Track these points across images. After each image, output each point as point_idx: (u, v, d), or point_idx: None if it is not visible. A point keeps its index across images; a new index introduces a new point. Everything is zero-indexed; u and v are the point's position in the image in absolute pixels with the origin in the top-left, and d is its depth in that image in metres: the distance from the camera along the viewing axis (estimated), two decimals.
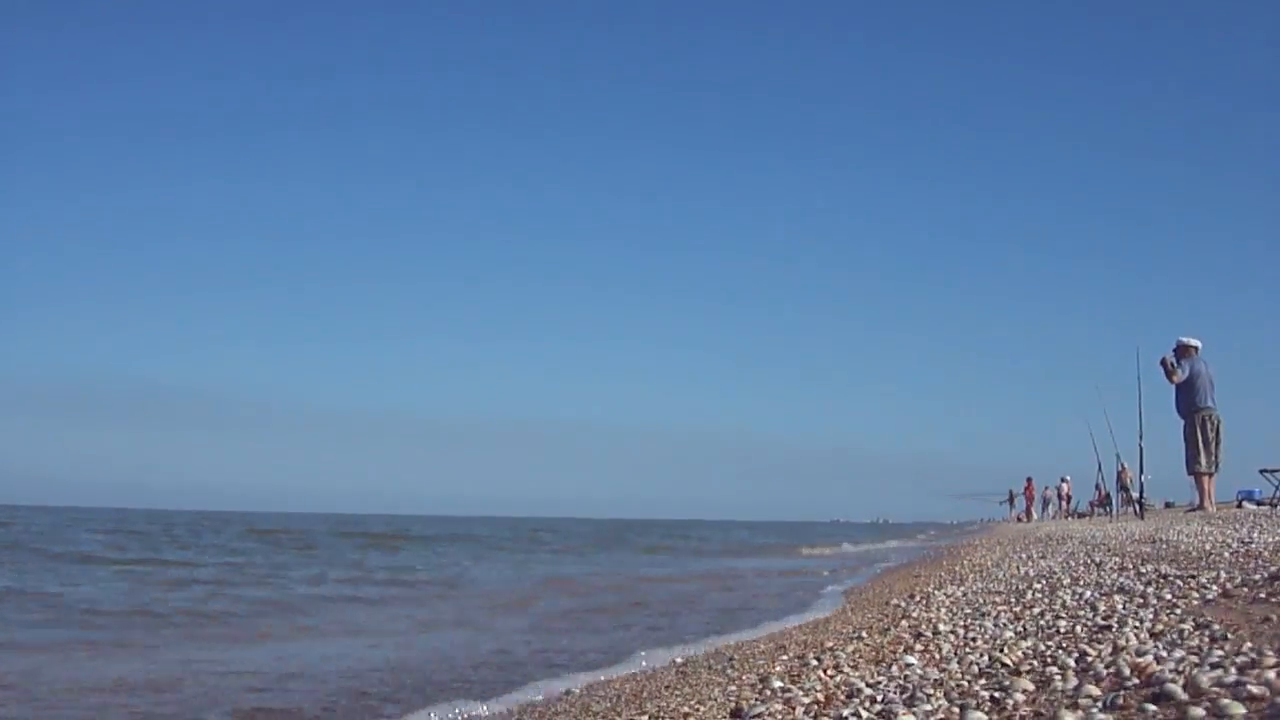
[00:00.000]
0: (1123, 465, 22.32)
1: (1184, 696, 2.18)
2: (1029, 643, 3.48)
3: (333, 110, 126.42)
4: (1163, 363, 13.15)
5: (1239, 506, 15.93)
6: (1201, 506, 13.52)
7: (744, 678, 4.32)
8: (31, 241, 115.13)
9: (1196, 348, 13.20)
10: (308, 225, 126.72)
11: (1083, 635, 3.46)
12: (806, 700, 3.20)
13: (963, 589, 6.31)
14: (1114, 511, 23.40)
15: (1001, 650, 3.38)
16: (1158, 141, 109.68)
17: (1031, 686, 2.66)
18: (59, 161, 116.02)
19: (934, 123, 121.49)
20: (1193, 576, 4.70)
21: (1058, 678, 2.71)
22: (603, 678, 5.45)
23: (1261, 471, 16.70)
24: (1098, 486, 25.12)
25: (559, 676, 5.60)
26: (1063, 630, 3.66)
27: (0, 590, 10.46)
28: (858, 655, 4.15)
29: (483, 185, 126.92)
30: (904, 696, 2.87)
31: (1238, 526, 8.46)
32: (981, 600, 5.33)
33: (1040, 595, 5.03)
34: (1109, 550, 7.72)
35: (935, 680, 3.07)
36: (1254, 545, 6.17)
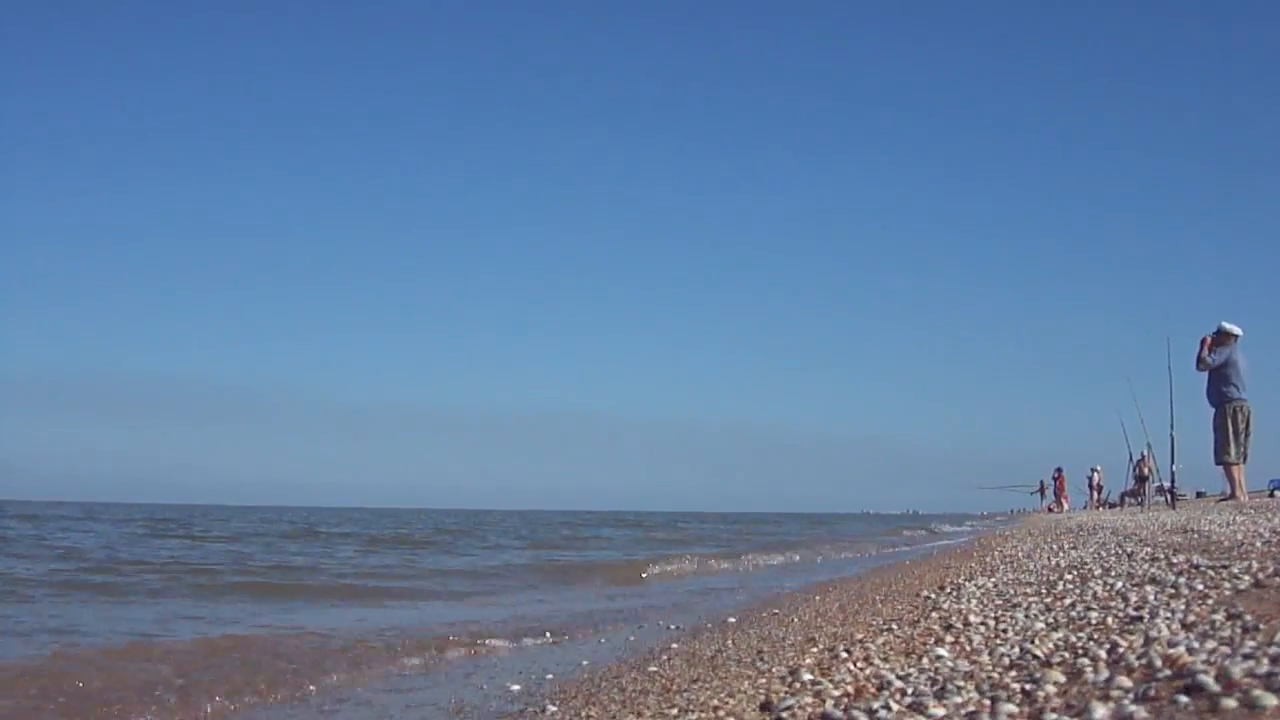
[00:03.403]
0: (1143, 455, 22.21)
1: (1216, 688, 2.17)
2: (1060, 634, 3.47)
3: (340, 107, 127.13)
4: (1202, 342, 13.02)
5: (1271, 495, 15.79)
6: (1233, 496, 13.41)
7: (774, 670, 4.33)
8: (39, 240, 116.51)
9: (1236, 336, 13.05)
10: (319, 223, 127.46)
11: (1114, 626, 3.45)
12: (836, 693, 3.21)
13: (994, 580, 6.30)
14: (1145, 501, 23.27)
15: (1032, 642, 3.38)
16: (1190, 134, 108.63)
17: (1063, 678, 2.66)
18: (72, 160, 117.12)
19: (969, 119, 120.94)
20: (1225, 567, 4.68)
21: (1089, 669, 2.71)
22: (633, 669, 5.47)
23: None
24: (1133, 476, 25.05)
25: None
26: (1094, 621, 3.65)
27: None
28: (888, 647, 4.16)
29: (492, 181, 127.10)
30: (935, 689, 2.88)
31: (1270, 516, 8.39)
32: (1012, 591, 5.32)
33: (1071, 586, 5.01)
34: (1140, 540, 7.68)
35: (966, 672, 3.08)
36: None
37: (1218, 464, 13.36)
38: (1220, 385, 12.93)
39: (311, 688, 5.43)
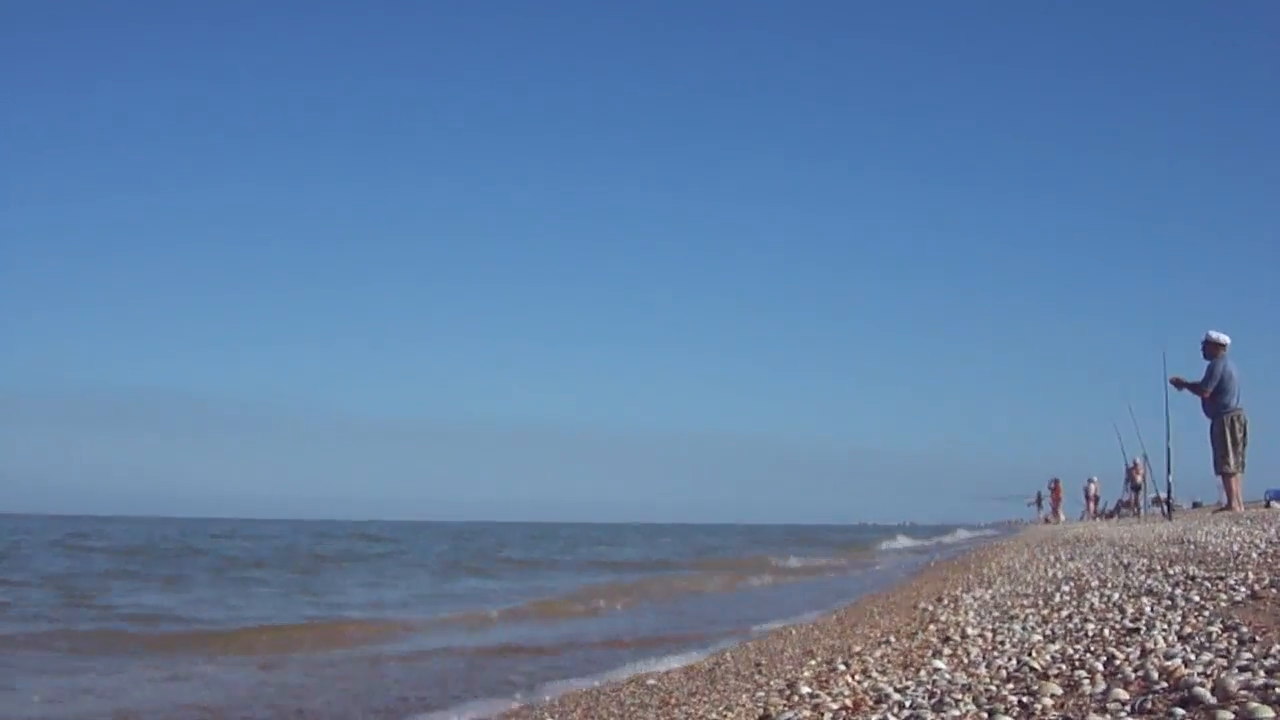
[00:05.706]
0: (1134, 464, 22.23)
1: (1212, 700, 2.19)
2: (1057, 646, 3.48)
3: (348, 111, 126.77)
4: (1187, 385, 13.02)
5: (1267, 506, 15.81)
6: (1229, 507, 13.42)
7: (772, 683, 4.34)
8: (32, 248, 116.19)
9: (1225, 345, 13.05)
10: (327, 229, 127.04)
11: (1111, 638, 3.46)
12: (835, 706, 3.21)
13: (990, 592, 6.30)
14: (1141, 511, 23.28)
15: (1029, 654, 3.39)
16: (1188, 139, 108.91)
17: (1060, 690, 2.67)
18: (67, 165, 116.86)
19: (960, 124, 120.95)
20: (1221, 578, 4.69)
21: (1086, 681, 2.72)
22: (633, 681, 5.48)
23: None
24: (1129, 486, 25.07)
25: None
26: (1091, 633, 3.66)
27: None
28: (886, 660, 4.16)
29: (499, 188, 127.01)
30: (932, 702, 2.89)
31: (1266, 527, 8.40)
32: (1009, 603, 5.33)
33: (1068, 598, 5.02)
34: (1137, 552, 7.69)
35: (963, 685, 3.08)
36: None
37: (1218, 474, 13.36)
38: (1218, 396, 12.93)
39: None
